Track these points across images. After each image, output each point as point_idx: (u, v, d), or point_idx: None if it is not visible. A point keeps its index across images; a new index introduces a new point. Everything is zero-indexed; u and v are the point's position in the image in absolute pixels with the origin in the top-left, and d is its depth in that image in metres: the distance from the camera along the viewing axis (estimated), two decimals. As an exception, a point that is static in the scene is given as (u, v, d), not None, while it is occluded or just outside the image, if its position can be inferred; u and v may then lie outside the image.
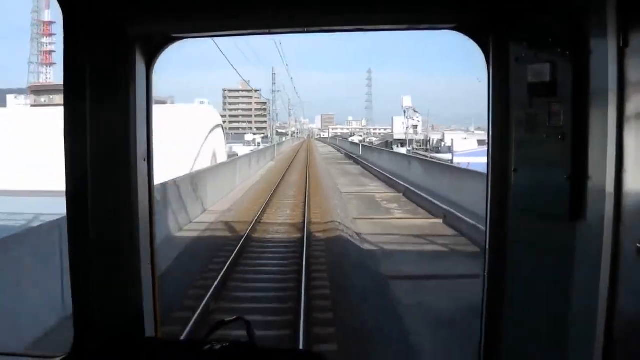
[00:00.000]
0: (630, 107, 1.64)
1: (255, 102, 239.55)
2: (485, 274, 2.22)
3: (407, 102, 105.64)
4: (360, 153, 61.69)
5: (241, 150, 67.14)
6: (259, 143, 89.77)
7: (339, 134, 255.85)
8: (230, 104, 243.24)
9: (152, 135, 2.41)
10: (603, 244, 1.70)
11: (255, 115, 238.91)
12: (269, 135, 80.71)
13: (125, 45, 2.25)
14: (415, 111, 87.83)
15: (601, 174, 1.71)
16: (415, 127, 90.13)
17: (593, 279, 1.73)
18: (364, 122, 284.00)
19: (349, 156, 67.09)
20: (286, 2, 2.23)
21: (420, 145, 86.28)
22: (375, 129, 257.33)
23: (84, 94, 2.22)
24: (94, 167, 2.25)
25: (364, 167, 47.55)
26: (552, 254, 1.96)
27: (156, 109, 2.45)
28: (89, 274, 2.29)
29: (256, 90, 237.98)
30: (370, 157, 52.95)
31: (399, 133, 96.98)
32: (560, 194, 1.88)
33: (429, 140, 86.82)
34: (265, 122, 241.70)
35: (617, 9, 1.64)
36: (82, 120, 2.23)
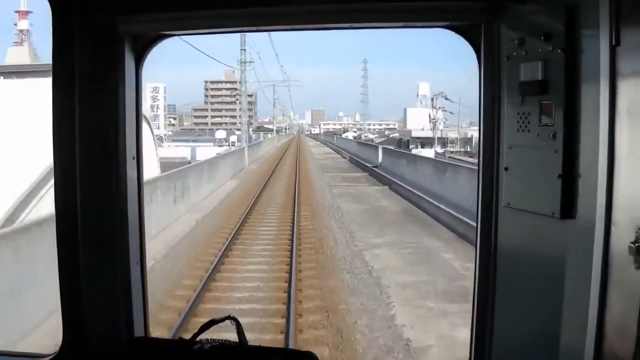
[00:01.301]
0: (622, 106, 1.62)
1: (240, 95, 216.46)
2: (476, 272, 2.18)
3: (424, 89, 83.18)
4: (380, 161, 38.53)
5: (209, 152, 45.71)
6: (233, 142, 66.59)
7: (331, 129, 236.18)
8: (212, 96, 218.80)
9: (141, 133, 2.38)
10: (594, 242, 1.68)
11: (240, 109, 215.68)
12: (242, 132, 57.67)
13: (115, 43, 2.23)
14: (446, 98, 64.86)
15: (592, 173, 1.69)
16: (435, 121, 67.65)
17: (584, 278, 1.71)
18: (357, 117, 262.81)
19: (359, 165, 43.25)
20: None
21: (451, 145, 63.76)
22: (370, 125, 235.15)
23: (72, 92, 2.19)
24: (82, 165, 2.22)
25: (407, 197, 24.17)
26: (543, 253, 1.95)
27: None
28: (77, 272, 2.25)
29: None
30: (407, 173, 29.29)
31: (418, 129, 74.41)
32: (552, 192, 1.86)
33: (471, 139, 63.36)
34: (252, 116, 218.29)
35: (609, 8, 1.62)
36: (70, 118, 2.20)
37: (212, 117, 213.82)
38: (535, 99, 1.91)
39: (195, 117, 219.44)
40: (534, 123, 1.93)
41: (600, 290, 1.66)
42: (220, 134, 75.52)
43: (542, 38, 1.87)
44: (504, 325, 2.09)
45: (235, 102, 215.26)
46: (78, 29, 2.16)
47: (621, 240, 1.58)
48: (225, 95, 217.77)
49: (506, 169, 2.05)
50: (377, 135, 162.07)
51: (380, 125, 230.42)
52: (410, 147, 64.18)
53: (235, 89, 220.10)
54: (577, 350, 1.72)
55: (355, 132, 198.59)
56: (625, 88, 1.60)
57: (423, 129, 75.77)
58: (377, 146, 47.19)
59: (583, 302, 1.71)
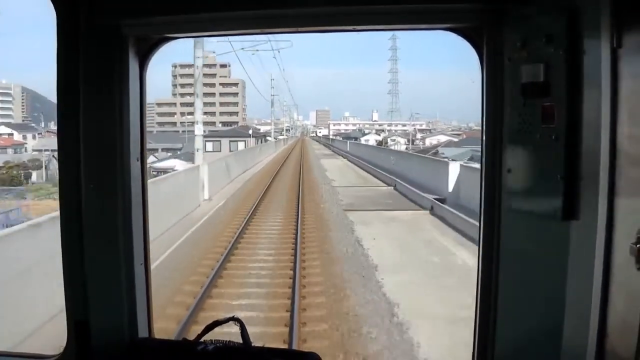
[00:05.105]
0: (624, 108, 1.64)
1: (221, 84, 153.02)
2: (479, 273, 2.17)
3: None
4: None
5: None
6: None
7: (342, 130, 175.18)
8: (182, 86, 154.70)
9: (145, 135, 2.40)
10: (596, 244, 1.70)
11: (221, 104, 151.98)
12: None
13: (119, 46, 2.24)
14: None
15: (594, 174, 1.71)
16: None
17: (586, 279, 1.73)
18: (375, 116, 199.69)
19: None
20: (280, 2, 2.19)
21: None
22: (392, 125, 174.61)
23: (77, 94, 2.21)
24: (87, 166, 2.24)
25: None
26: (545, 254, 1.96)
27: None
28: (82, 273, 2.26)
29: (223, 66, 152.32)
30: None
31: None
32: (554, 194, 1.87)
33: None
34: (237, 112, 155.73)
35: (611, 10, 1.63)
36: (75, 120, 2.21)
37: (182, 114, 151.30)
38: (537, 101, 1.90)
39: (160, 114, 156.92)
40: (536, 125, 1.91)
41: (602, 291, 1.67)
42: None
43: (544, 40, 1.86)
44: (506, 326, 2.08)
45: (214, 95, 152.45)
46: (83, 31, 2.17)
47: (623, 241, 1.60)
48: (203, 85, 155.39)
49: (509, 170, 2.04)
50: (443, 142, 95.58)
51: (404, 126, 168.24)
52: None
53: (214, 74, 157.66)
54: (580, 350, 1.74)
55: (379, 134, 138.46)
56: (626, 90, 1.61)
57: None
58: None
59: (585, 303, 1.72)
